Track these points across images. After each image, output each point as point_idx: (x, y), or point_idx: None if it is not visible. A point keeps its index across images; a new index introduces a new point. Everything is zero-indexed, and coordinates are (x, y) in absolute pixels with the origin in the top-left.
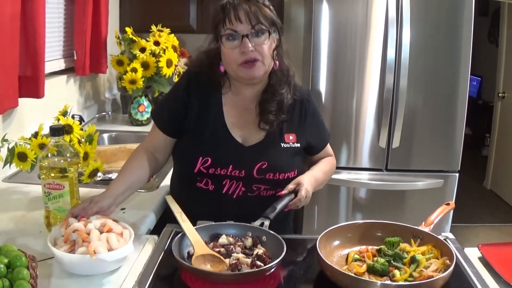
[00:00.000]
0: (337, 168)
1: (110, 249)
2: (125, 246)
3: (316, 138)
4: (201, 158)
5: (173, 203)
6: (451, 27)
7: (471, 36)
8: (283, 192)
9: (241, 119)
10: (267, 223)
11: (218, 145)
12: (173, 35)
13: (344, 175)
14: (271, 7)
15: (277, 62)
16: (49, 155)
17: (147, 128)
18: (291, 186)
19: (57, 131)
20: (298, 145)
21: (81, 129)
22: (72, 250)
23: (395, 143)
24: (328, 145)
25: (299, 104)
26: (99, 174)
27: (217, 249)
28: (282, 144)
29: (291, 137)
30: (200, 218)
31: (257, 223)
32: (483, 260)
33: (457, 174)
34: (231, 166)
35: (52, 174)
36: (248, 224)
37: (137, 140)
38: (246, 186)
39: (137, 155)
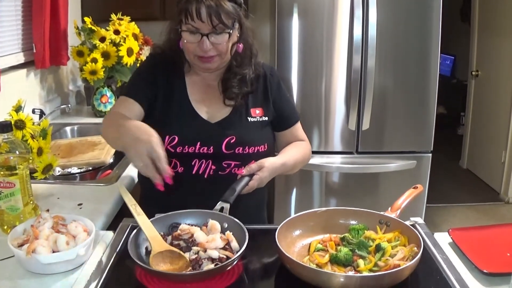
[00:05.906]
0: None
1: (56, 251)
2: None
3: (285, 109)
4: (167, 137)
5: (126, 194)
6: (419, 5)
7: (440, 13)
8: (244, 171)
9: (205, 97)
10: (227, 206)
11: (184, 123)
12: (133, 23)
13: (316, 160)
14: None
15: (241, 45)
16: None
17: None
18: (253, 166)
19: (5, 127)
20: (266, 118)
21: (38, 124)
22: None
23: (365, 125)
24: (300, 128)
25: (263, 78)
26: (58, 169)
27: (176, 242)
28: (249, 118)
29: (257, 111)
30: (175, 208)
31: (216, 208)
32: (454, 245)
33: (430, 155)
34: (198, 143)
35: (2, 172)
36: (208, 211)
37: (99, 132)
38: (216, 163)
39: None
